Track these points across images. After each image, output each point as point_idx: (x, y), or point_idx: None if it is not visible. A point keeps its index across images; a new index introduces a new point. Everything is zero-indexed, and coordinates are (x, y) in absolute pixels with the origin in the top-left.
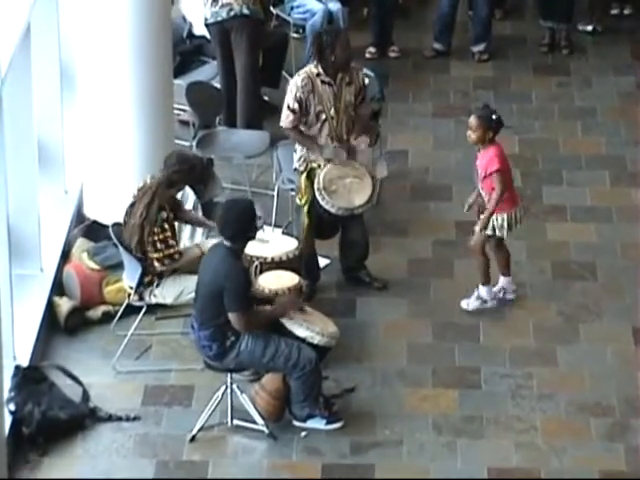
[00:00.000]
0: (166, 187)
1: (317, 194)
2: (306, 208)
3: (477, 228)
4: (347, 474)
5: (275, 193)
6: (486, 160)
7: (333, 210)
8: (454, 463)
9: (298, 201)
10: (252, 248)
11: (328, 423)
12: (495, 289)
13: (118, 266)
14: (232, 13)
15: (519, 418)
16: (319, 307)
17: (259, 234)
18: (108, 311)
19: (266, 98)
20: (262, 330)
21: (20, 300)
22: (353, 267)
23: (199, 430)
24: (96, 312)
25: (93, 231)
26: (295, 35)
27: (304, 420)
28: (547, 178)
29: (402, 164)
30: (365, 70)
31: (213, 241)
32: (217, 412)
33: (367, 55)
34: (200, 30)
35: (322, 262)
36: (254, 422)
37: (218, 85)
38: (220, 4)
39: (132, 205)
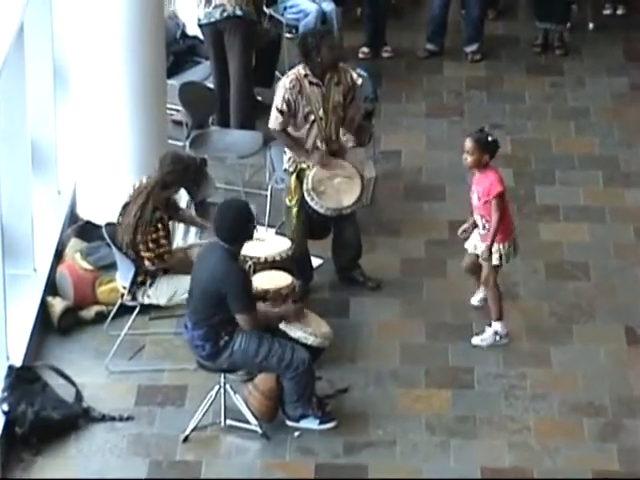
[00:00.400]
0: (161, 188)
1: (306, 195)
2: (296, 209)
3: (481, 260)
4: (340, 474)
5: (268, 193)
6: (487, 184)
7: (322, 211)
8: (447, 463)
9: (288, 202)
10: (245, 248)
11: (321, 423)
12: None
13: (111, 266)
14: (225, 14)
15: (512, 418)
16: (312, 307)
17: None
18: (101, 311)
19: (259, 98)
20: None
21: (13, 300)
22: (347, 267)
23: (192, 430)
24: (89, 312)
25: (86, 231)
26: (288, 35)
27: (297, 420)
28: (540, 178)
29: (395, 164)
30: (359, 70)
31: (196, 250)
32: (210, 412)
33: (360, 55)
34: (193, 30)
35: (315, 262)
36: (247, 422)
37: (211, 85)
38: (213, 5)
39: (126, 205)
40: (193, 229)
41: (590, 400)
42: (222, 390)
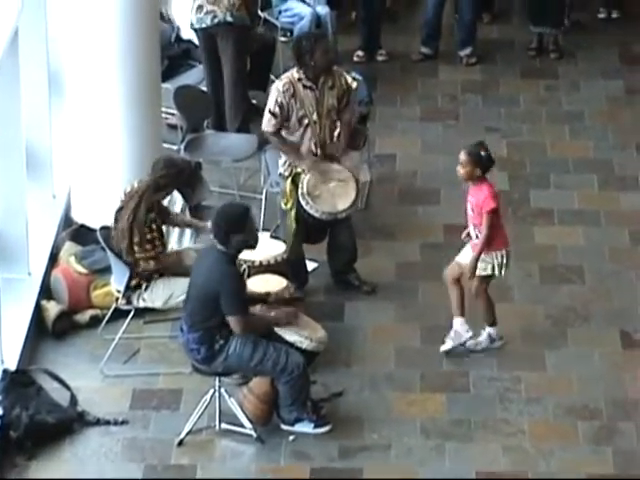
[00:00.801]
0: (153, 191)
1: (301, 199)
2: (292, 213)
3: (467, 273)
4: (335, 478)
5: (263, 196)
6: (481, 198)
7: (317, 215)
8: (442, 467)
9: (283, 205)
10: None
11: (316, 427)
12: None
13: (106, 270)
14: (216, 20)
15: (507, 422)
16: (307, 311)
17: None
18: (96, 315)
19: (254, 101)
20: (252, 334)
21: (8, 304)
22: (342, 270)
23: (187, 434)
24: (84, 316)
25: (81, 235)
26: (283, 39)
27: (292, 424)
28: (535, 182)
29: (390, 168)
30: (354, 73)
31: (191, 252)
32: (205, 416)
33: (355, 59)
34: (188, 34)
35: (310, 266)
36: (242, 426)
37: (206, 88)
38: (204, 11)
39: (120, 210)
40: (188, 233)
41: (585, 403)
42: (217, 394)
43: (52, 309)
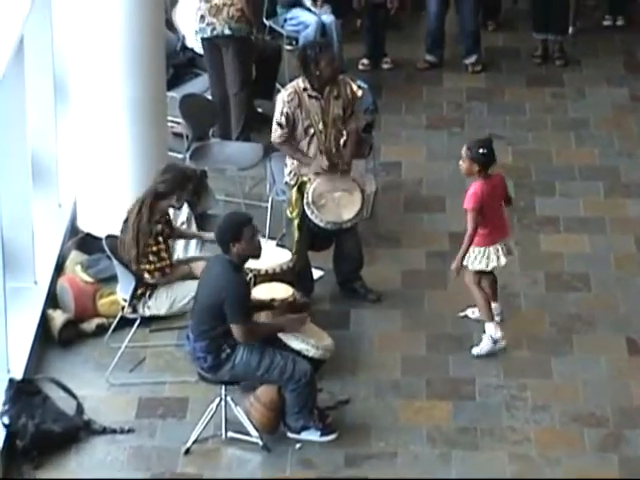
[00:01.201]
0: (153, 198)
1: (306, 208)
2: (297, 221)
3: (453, 267)
4: None
5: (269, 205)
6: (468, 193)
7: (322, 224)
8: (448, 475)
9: (289, 214)
10: None
11: (322, 435)
12: (477, 314)
13: (112, 279)
14: (215, 32)
15: (513, 429)
16: (313, 319)
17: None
18: (102, 324)
19: (260, 110)
20: (258, 342)
21: (14, 313)
22: (348, 278)
23: (193, 442)
24: (90, 325)
25: (87, 244)
26: (288, 47)
27: (298, 432)
28: (540, 189)
29: (395, 176)
30: (359, 82)
31: (200, 263)
32: (211, 424)
33: (360, 67)
34: (193, 43)
35: (316, 274)
36: (248, 434)
37: (212, 97)
38: (206, 22)
39: (126, 221)
40: (193, 243)
41: (591, 411)
42: (223, 402)
43: (58, 318)
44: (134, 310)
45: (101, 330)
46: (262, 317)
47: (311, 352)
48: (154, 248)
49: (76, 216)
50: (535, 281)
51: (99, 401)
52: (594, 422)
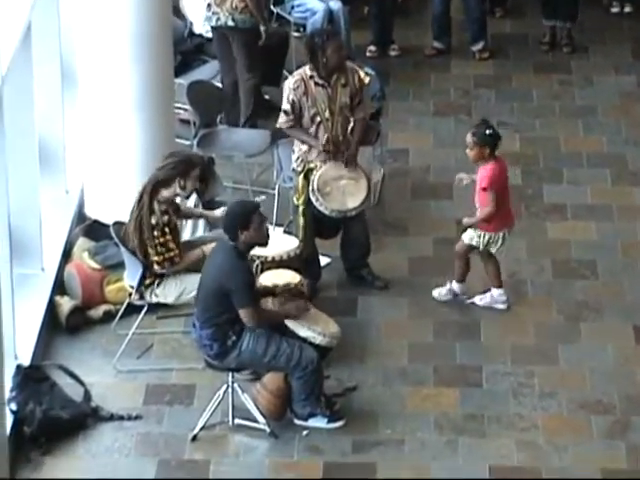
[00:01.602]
0: (154, 186)
1: (311, 195)
2: (303, 208)
3: (465, 220)
4: (348, 473)
5: (276, 192)
6: (481, 175)
7: (326, 212)
8: (456, 462)
9: (295, 201)
10: None
11: (330, 422)
12: (486, 300)
13: (119, 265)
14: (219, 23)
15: (520, 416)
16: (320, 306)
17: None
18: (109, 310)
19: (267, 97)
20: (265, 329)
21: (21, 299)
22: (355, 265)
23: (201, 429)
24: (97, 311)
25: (94, 230)
26: (296, 34)
27: (306, 419)
28: (548, 176)
29: (403, 163)
30: (366, 68)
31: (211, 245)
32: (218, 411)
33: (367, 54)
34: (200, 29)
35: (323, 261)
36: (255, 421)
37: (219, 84)
38: (212, 11)
39: (132, 211)
40: (201, 225)
41: (598, 398)
42: (230, 389)
43: (65, 304)
44: (141, 297)
45: (108, 317)
46: (269, 303)
47: (318, 339)
48: (161, 239)
49: (83, 203)
50: (542, 268)
51: (106, 388)
52: (601, 409)
